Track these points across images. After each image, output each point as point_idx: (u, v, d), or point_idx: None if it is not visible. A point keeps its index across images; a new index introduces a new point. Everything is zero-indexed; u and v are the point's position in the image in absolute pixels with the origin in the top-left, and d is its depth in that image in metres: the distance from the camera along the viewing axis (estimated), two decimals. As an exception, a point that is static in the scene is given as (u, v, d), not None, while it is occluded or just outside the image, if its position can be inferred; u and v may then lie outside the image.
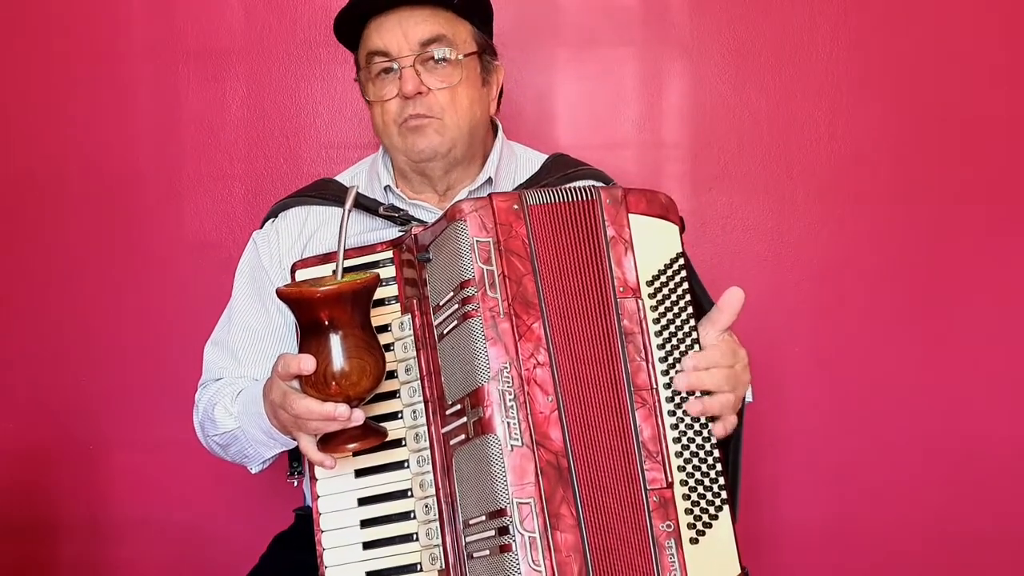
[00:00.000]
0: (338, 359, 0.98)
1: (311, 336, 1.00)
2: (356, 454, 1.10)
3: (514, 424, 1.00)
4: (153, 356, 1.83)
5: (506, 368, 1.01)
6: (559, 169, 1.37)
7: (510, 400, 1.01)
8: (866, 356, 1.81)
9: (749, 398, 1.25)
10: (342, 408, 0.99)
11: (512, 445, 1.00)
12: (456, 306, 1.04)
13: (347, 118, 1.82)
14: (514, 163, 1.40)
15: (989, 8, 1.77)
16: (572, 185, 1.10)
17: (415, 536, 1.09)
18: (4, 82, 1.83)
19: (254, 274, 1.38)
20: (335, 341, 0.98)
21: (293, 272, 1.18)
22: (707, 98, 1.80)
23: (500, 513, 0.99)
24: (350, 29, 1.32)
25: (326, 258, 1.16)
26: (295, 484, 1.34)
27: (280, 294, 0.99)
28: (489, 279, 1.03)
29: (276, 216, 1.39)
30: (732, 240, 1.81)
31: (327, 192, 1.38)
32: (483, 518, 1.01)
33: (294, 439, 1.13)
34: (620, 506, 1.01)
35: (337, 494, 1.12)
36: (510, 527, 0.98)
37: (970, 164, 1.79)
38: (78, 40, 1.81)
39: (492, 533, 1.00)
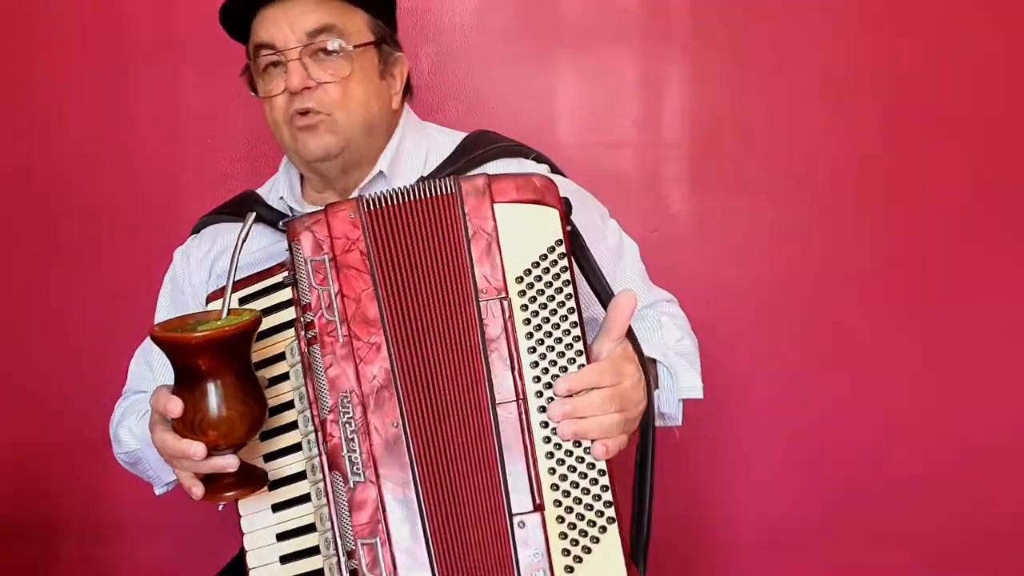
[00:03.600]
0: (209, 408, 0.91)
1: (183, 381, 0.93)
2: (271, 488, 1.04)
3: (356, 457, 0.93)
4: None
5: (346, 397, 0.94)
6: (470, 151, 1.25)
7: (351, 431, 0.94)
8: (866, 356, 1.81)
9: (699, 395, 1.16)
10: (196, 447, 0.92)
11: (355, 481, 0.93)
12: (303, 332, 0.98)
13: (347, 118, 1.81)
14: (423, 150, 1.28)
15: (989, 9, 1.77)
16: (428, 180, 1.02)
17: (323, 572, 1.01)
18: (4, 82, 1.83)
19: (173, 293, 1.35)
20: (206, 390, 0.91)
21: (208, 304, 1.11)
22: (707, 98, 1.80)
23: (351, 555, 0.93)
24: (238, 21, 1.22)
25: (236, 286, 1.07)
26: (219, 508, 1.29)
27: (153, 338, 0.92)
28: (326, 300, 0.95)
29: (197, 232, 1.35)
30: (732, 240, 1.80)
31: (242, 208, 1.28)
32: (345, 557, 0.95)
33: None
34: (481, 537, 0.93)
35: (259, 530, 1.05)
36: (358, 571, 0.92)
37: (970, 164, 1.78)
38: (78, 40, 1.81)
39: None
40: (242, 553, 1.37)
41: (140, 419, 1.22)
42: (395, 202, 0.98)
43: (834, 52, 1.78)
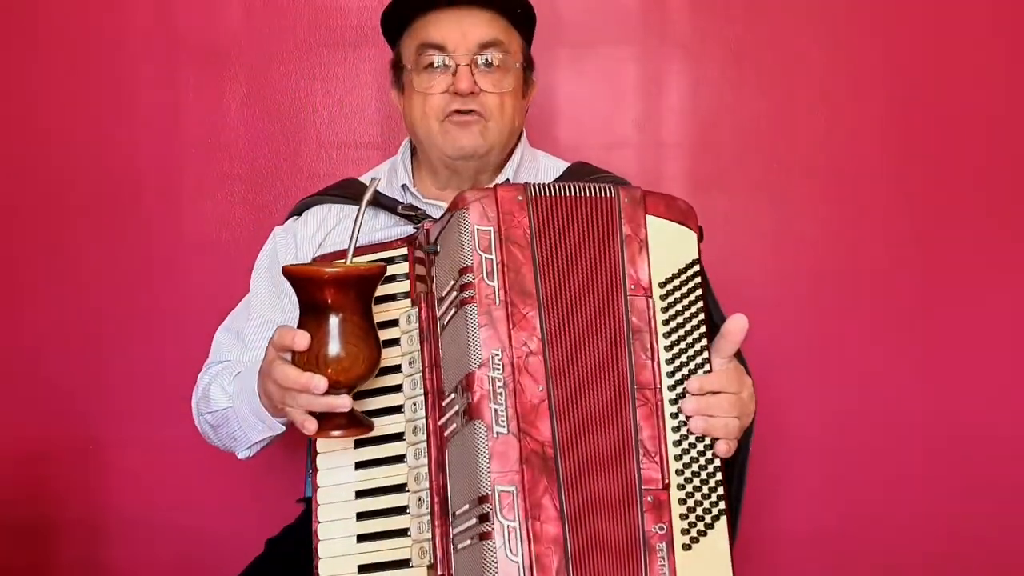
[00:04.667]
0: (332, 343, 0.99)
1: (310, 316, 1.01)
2: (357, 445, 1.10)
3: (501, 411, 0.99)
4: (153, 356, 1.83)
5: (497, 355, 1.00)
6: (579, 177, 1.37)
7: (499, 387, 1.00)
8: (866, 357, 1.81)
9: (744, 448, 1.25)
10: (318, 380, 0.99)
11: (498, 432, 0.98)
12: (455, 294, 1.04)
13: (347, 118, 1.82)
14: (535, 169, 1.42)
15: (990, 8, 1.77)
16: (589, 182, 1.10)
17: (408, 531, 1.08)
18: (4, 82, 1.83)
19: (272, 268, 1.40)
20: (332, 325, 0.99)
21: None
22: (707, 98, 1.80)
23: (483, 500, 0.98)
24: (399, 19, 1.34)
25: (343, 254, 1.17)
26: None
27: (286, 271, 1.00)
28: (487, 267, 1.02)
29: (300, 214, 1.42)
30: (732, 240, 1.80)
31: (349, 191, 1.39)
32: (467, 506, 1.01)
33: (280, 416, 1.13)
34: (610, 502, 0.99)
35: (336, 486, 1.12)
36: (491, 515, 0.97)
37: (970, 165, 1.79)
38: (79, 41, 1.81)
39: (475, 521, 0.99)
40: (254, 560, 1.38)
41: (233, 379, 1.28)
42: (560, 194, 1.06)
43: (834, 52, 1.78)
